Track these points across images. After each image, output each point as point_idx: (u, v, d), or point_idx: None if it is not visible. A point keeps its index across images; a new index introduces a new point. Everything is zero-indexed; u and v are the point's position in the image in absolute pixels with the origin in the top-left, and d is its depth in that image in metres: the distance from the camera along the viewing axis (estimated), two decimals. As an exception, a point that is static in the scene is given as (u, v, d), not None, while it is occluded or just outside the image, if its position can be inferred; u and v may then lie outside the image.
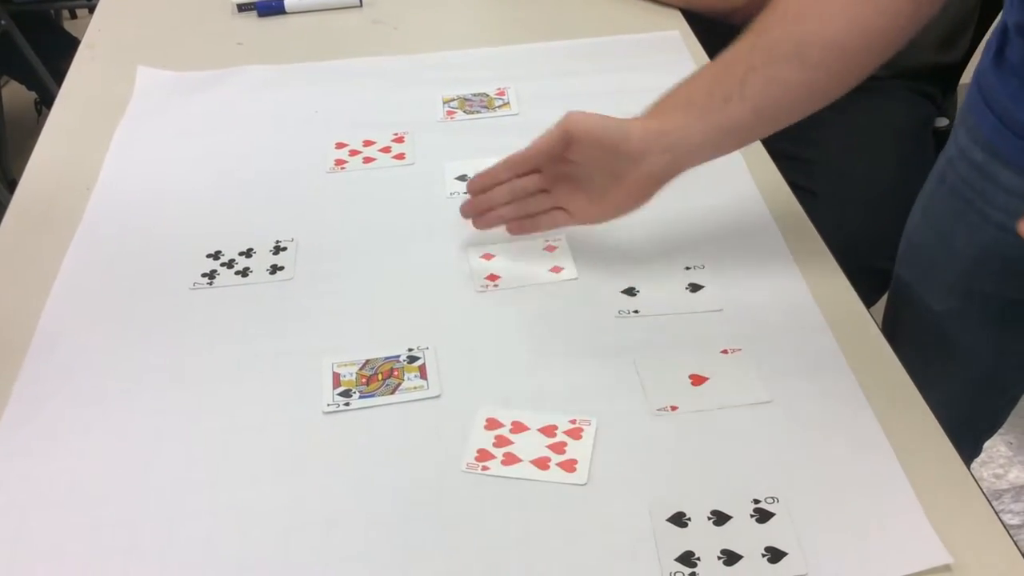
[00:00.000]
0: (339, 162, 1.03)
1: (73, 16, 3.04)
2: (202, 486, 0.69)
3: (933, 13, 0.73)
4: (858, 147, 1.32)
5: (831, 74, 0.74)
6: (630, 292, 0.84)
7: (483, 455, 0.70)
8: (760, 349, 0.78)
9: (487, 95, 1.14)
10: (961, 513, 0.65)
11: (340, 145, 1.06)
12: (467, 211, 0.87)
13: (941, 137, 1.36)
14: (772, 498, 0.66)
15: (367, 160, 1.04)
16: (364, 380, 0.77)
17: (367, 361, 0.78)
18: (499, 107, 1.12)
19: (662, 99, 0.79)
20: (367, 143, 1.06)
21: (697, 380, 0.75)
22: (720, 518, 0.65)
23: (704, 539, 0.63)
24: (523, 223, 0.85)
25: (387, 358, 0.78)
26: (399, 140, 1.06)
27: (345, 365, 0.78)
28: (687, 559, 0.62)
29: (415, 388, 0.76)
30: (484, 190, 0.85)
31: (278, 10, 1.35)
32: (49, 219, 0.97)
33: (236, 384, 0.77)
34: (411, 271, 0.88)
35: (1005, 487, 1.81)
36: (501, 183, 0.84)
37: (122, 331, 0.83)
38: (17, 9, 2.29)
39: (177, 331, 0.83)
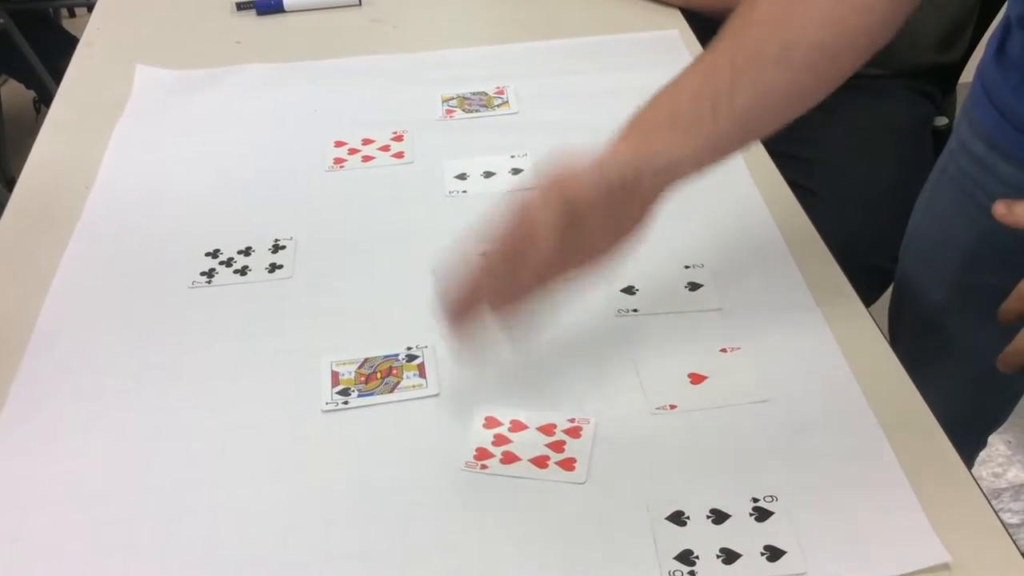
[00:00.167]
0: (338, 161, 1.03)
1: (72, 15, 3.03)
2: (201, 484, 0.69)
3: (910, 11, 0.73)
4: (858, 147, 1.32)
5: (817, 75, 0.73)
6: (629, 291, 0.84)
7: (482, 453, 0.70)
8: (759, 348, 0.78)
9: (486, 94, 1.14)
10: (960, 512, 0.65)
11: (339, 144, 1.06)
12: None
13: (940, 137, 1.36)
14: (771, 496, 0.66)
15: (366, 159, 1.04)
16: (363, 379, 0.77)
17: (366, 360, 0.78)
18: (498, 106, 1.11)
19: (644, 114, 0.71)
20: (366, 142, 1.06)
21: (696, 379, 0.75)
22: (719, 516, 0.65)
23: (703, 537, 0.63)
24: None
25: (386, 357, 0.78)
26: (398, 139, 1.06)
27: (344, 364, 0.78)
28: (686, 557, 0.62)
29: (414, 387, 0.76)
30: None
31: (277, 9, 1.34)
32: (48, 217, 0.97)
33: (235, 382, 0.77)
34: (410, 270, 0.88)
35: (1004, 486, 1.81)
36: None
37: (121, 329, 0.83)
38: (16, 7, 2.29)
39: (176, 329, 0.83)
